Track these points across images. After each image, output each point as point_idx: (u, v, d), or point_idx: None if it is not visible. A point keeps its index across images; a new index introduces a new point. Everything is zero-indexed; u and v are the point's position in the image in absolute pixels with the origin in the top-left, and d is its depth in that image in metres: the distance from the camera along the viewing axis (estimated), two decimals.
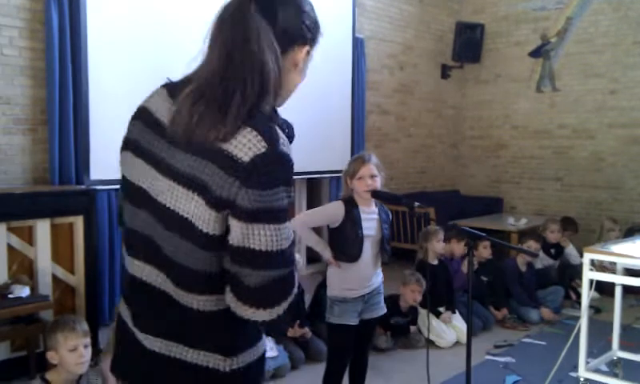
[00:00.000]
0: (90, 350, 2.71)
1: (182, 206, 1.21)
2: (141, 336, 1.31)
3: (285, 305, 1.21)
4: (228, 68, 1.21)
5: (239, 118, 1.18)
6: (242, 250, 1.17)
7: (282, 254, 1.18)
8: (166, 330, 1.29)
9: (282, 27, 1.26)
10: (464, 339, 3.74)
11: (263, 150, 1.16)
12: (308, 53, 1.33)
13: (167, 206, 1.22)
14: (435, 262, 4.67)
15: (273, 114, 1.26)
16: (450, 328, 4.47)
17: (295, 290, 1.25)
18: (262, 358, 1.36)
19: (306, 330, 4.03)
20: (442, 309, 4.57)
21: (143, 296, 1.31)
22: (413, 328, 4.44)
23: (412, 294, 4.31)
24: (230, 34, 1.22)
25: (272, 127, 1.20)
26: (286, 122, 1.30)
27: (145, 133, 1.29)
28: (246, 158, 1.15)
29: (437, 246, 4.63)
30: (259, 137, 1.17)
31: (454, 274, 4.92)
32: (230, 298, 1.21)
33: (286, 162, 1.19)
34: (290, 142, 1.27)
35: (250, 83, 1.20)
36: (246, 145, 1.16)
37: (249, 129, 1.17)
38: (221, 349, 1.27)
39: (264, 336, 1.38)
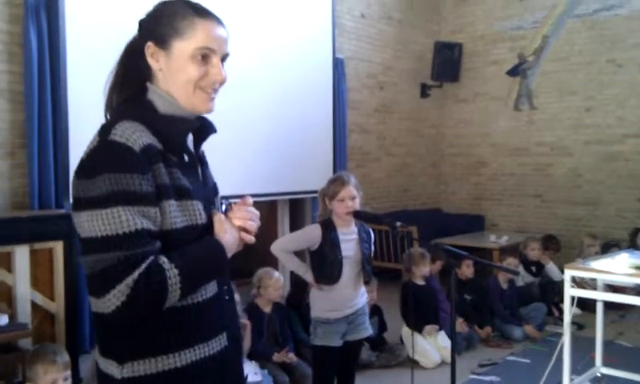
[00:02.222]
0: (69, 381, 2.66)
1: None
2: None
3: (117, 294, 1.17)
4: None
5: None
6: (80, 241, 1.25)
7: (107, 239, 1.19)
8: (96, 341, 1.38)
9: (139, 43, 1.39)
10: (449, 359, 3.74)
11: (95, 143, 1.26)
12: (152, 48, 1.36)
13: None
14: (422, 283, 4.67)
15: (142, 113, 1.33)
16: (434, 348, 4.46)
17: (130, 280, 1.18)
18: (169, 375, 1.29)
19: (291, 355, 3.99)
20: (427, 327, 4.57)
21: None
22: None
23: (370, 293, 4.31)
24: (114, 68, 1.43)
25: (111, 122, 1.29)
26: (168, 117, 1.36)
27: None
28: (83, 155, 1.27)
29: (423, 270, 4.65)
30: (96, 133, 1.28)
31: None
32: None
33: (111, 149, 1.24)
34: (183, 135, 1.39)
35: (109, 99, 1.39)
36: (88, 145, 1.28)
37: (97, 131, 1.30)
38: (115, 355, 1.29)
39: (186, 354, 1.31)
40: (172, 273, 1.22)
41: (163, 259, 1.23)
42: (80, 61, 4.36)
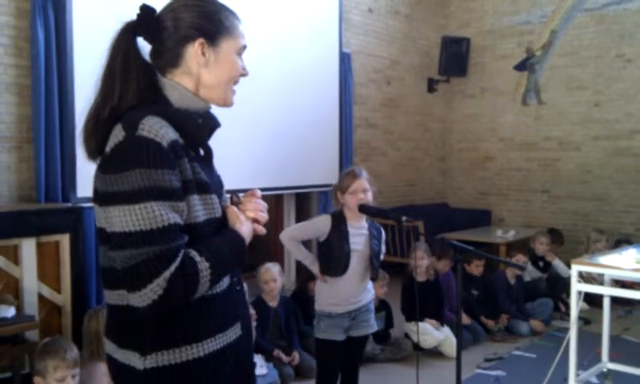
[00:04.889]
0: (77, 378, 2.67)
1: None
2: (105, 341, 1.42)
3: (155, 288, 1.19)
4: (100, 86, 1.37)
5: (107, 127, 1.31)
6: (111, 235, 1.25)
7: (141, 234, 1.20)
8: (108, 332, 1.40)
9: (166, 37, 1.38)
10: (454, 353, 3.74)
11: (121, 138, 1.26)
12: (203, 45, 1.39)
13: None
14: (422, 279, 4.64)
15: (160, 108, 1.33)
16: (437, 331, 4.46)
17: (167, 274, 1.20)
18: (193, 364, 1.32)
19: (295, 356, 3.98)
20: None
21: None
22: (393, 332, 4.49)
23: (380, 289, 4.29)
24: (107, 58, 1.39)
25: (136, 117, 1.27)
26: (188, 113, 1.38)
27: None
28: (108, 150, 1.27)
29: (420, 263, 4.59)
30: (120, 128, 1.27)
31: (446, 289, 4.88)
32: None
33: (141, 145, 1.24)
34: (203, 130, 1.41)
35: (110, 94, 1.34)
36: (112, 139, 1.28)
37: (117, 124, 1.29)
38: (137, 346, 1.31)
39: (208, 344, 1.34)
40: (203, 266, 1.26)
41: (194, 253, 1.27)
42: (87, 55, 4.37)
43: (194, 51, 1.37)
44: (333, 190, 3.08)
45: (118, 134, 1.26)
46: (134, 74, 1.35)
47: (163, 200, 1.23)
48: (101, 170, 1.28)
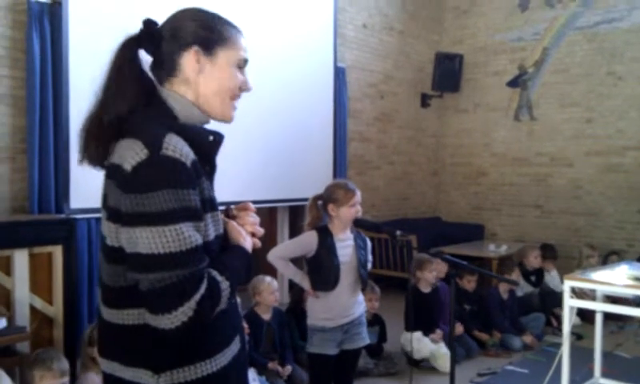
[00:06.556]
0: None
1: (103, 229, 1.32)
2: (100, 360, 1.39)
3: (186, 311, 1.19)
4: (100, 97, 1.36)
5: (110, 133, 1.31)
6: (133, 256, 1.22)
7: (171, 256, 1.19)
8: (108, 351, 1.35)
9: (165, 47, 1.38)
10: (448, 368, 3.73)
11: (144, 156, 1.23)
12: (198, 52, 1.37)
13: (102, 234, 1.33)
14: (427, 290, 4.66)
15: (168, 122, 1.32)
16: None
17: (198, 297, 1.20)
18: (207, 380, 1.31)
19: (287, 368, 3.95)
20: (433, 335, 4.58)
21: (99, 321, 1.41)
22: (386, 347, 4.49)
23: (370, 303, 4.27)
24: (107, 68, 1.37)
25: (158, 134, 1.25)
26: (200, 129, 1.38)
27: None
28: (129, 167, 1.23)
29: (428, 276, 4.63)
30: (141, 145, 1.24)
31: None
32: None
33: (168, 164, 1.22)
34: (214, 148, 1.39)
35: (112, 103, 1.32)
36: (131, 155, 1.24)
37: (134, 140, 1.25)
38: (150, 365, 1.28)
39: (218, 359, 1.34)
40: (225, 285, 1.28)
41: (214, 272, 1.27)
42: (82, 67, 4.37)
43: (188, 58, 1.37)
44: (312, 203, 3.04)
45: (139, 152, 1.23)
46: (139, 83, 1.36)
47: (189, 221, 1.23)
48: (122, 189, 1.24)
